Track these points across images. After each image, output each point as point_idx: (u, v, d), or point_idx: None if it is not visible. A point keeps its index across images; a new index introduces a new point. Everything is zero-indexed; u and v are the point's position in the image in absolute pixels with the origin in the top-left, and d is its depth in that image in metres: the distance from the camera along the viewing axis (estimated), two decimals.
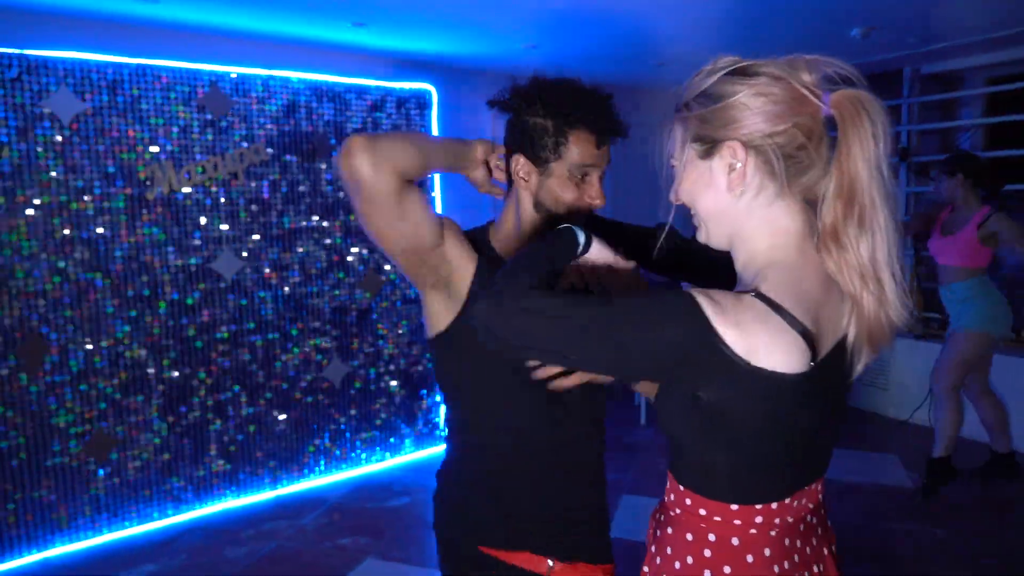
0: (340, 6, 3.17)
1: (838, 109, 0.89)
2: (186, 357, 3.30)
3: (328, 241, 3.72)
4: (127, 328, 3.15)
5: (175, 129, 3.22)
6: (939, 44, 4.05)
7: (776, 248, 0.92)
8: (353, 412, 3.83)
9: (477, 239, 1.31)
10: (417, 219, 1.13)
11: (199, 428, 3.35)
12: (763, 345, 0.81)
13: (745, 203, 0.92)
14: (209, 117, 3.31)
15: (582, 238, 1.06)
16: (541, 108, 1.21)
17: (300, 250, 3.62)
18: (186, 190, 3.26)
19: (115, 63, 3.06)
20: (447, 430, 1.36)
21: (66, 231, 2.99)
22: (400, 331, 4.00)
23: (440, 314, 1.24)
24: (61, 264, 2.98)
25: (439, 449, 4.16)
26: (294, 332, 3.62)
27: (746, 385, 0.82)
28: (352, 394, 3.83)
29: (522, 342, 0.86)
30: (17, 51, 2.85)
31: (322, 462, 3.74)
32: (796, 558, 0.94)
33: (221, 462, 3.43)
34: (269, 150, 3.48)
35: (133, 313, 3.15)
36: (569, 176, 1.22)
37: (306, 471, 3.70)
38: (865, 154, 0.87)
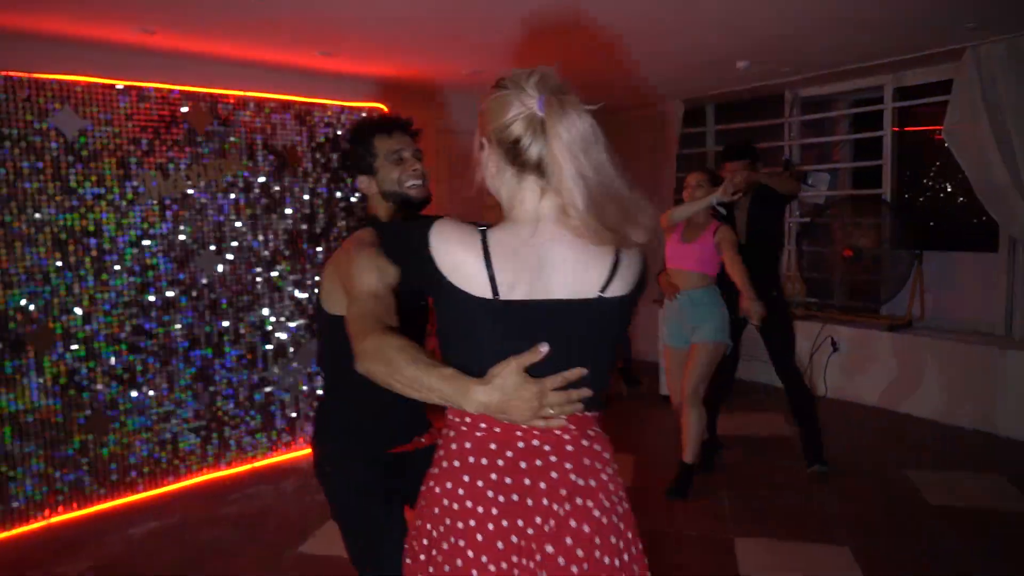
0: (310, 38, 3.70)
1: (547, 108, 1.12)
2: (171, 345, 3.75)
3: (300, 239, 4.21)
4: (113, 321, 3.57)
5: (163, 142, 3.66)
6: (808, 73, 4.91)
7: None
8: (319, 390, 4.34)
9: None
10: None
11: (184, 407, 3.80)
12: None
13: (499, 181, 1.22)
14: (192, 132, 3.76)
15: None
16: (349, 146, 1.78)
17: (273, 248, 4.10)
18: (173, 196, 3.71)
19: (112, 84, 3.49)
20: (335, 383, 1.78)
21: (72, 237, 3.40)
22: None
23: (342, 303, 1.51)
24: (59, 264, 3.39)
25: None
26: (266, 321, 4.10)
27: None
28: (316, 372, 4.33)
29: None
30: (26, 74, 3.25)
31: (289, 436, 4.23)
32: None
33: (201, 438, 3.87)
34: (245, 160, 3.96)
35: (106, 306, 3.58)
36: (389, 162, 1.73)
37: (280, 445, 4.18)
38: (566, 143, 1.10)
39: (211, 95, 3.82)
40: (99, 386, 3.51)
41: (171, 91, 3.68)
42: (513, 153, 1.16)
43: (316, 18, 3.37)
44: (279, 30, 3.54)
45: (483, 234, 1.15)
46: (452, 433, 1.22)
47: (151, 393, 3.67)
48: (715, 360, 3.48)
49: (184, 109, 3.72)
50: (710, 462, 3.89)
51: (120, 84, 3.52)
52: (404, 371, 1.10)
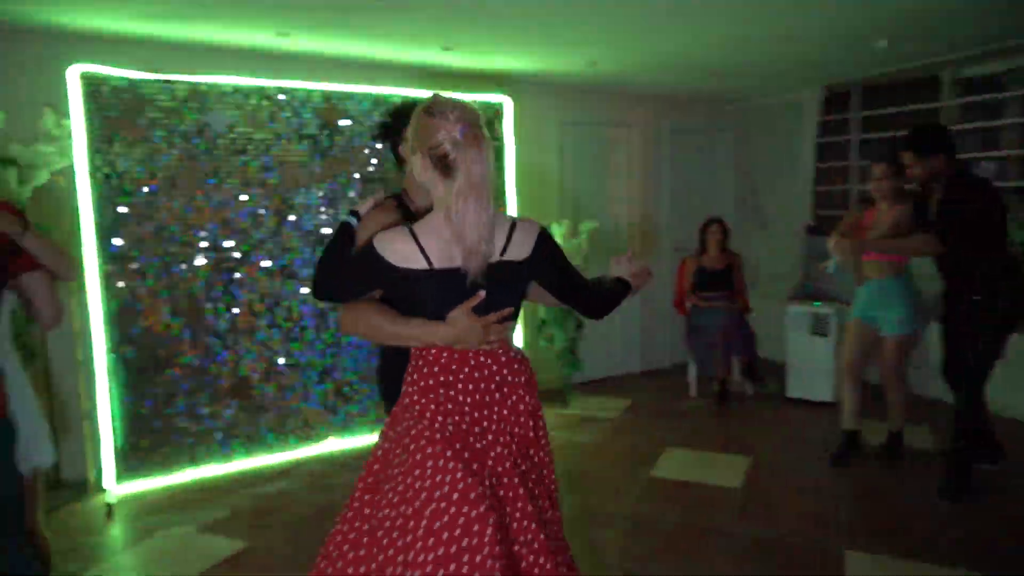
0: (434, 33, 3.86)
1: (465, 137, 1.58)
2: (301, 322, 4.08)
3: None
4: (255, 300, 3.94)
5: (300, 135, 4.00)
6: (966, 52, 4.42)
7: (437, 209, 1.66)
8: None
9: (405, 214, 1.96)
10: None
11: (315, 381, 4.13)
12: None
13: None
14: (325, 125, 4.07)
15: (355, 221, 1.83)
16: (396, 121, 2.04)
17: None
18: (308, 187, 4.03)
19: (256, 84, 3.86)
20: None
21: (222, 224, 3.81)
22: None
23: None
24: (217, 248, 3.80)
25: None
26: None
27: None
28: None
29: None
30: (186, 77, 3.67)
31: None
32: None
33: (328, 408, 4.18)
34: (369, 152, 4.22)
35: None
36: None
37: None
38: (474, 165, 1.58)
39: (340, 92, 4.10)
40: (243, 356, 3.90)
41: (304, 89, 4.00)
42: (442, 164, 1.60)
43: (437, 15, 3.52)
44: (402, 27, 3.73)
45: (410, 229, 1.63)
46: (421, 363, 1.71)
47: (285, 365, 4.03)
48: (906, 349, 3.77)
49: (315, 106, 4.03)
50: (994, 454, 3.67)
51: (261, 83, 3.88)
52: (386, 328, 1.69)
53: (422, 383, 1.69)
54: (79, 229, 3.44)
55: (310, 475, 3.88)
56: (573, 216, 5.36)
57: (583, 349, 5.33)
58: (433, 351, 1.69)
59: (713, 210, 5.72)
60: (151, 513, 3.44)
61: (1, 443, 1.99)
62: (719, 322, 5.06)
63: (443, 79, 4.70)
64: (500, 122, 4.69)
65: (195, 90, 3.71)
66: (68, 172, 3.45)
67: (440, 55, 4.24)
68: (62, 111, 3.37)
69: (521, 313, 1.87)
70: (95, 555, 3.05)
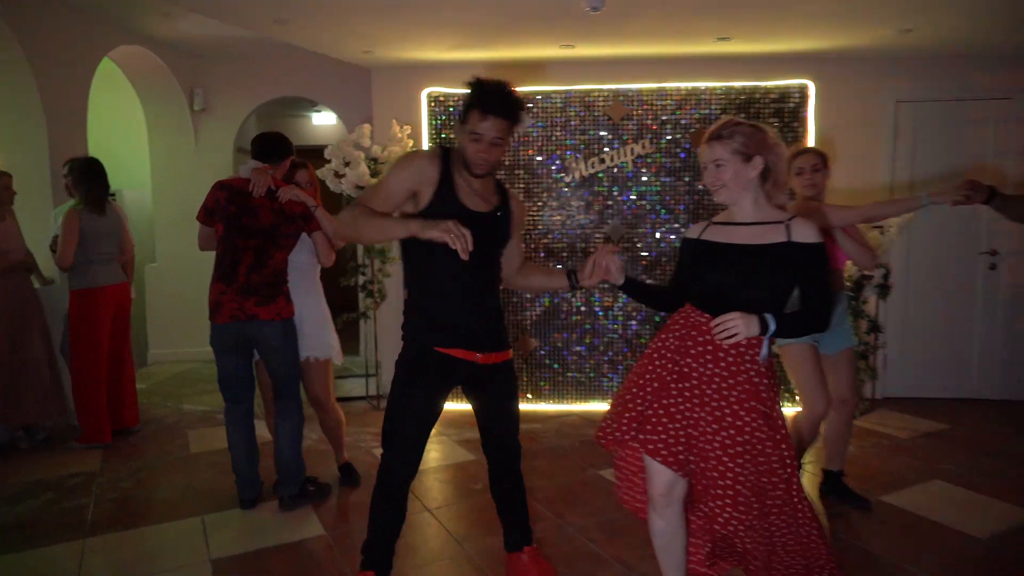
0: (705, 28, 3.99)
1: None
2: (591, 295, 4.71)
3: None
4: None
5: (586, 131, 4.61)
6: None
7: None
8: None
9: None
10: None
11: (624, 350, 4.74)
12: None
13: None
14: (610, 122, 4.58)
15: None
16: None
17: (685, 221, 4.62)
18: (590, 174, 4.63)
19: (548, 89, 4.60)
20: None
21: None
22: None
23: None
24: None
25: None
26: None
27: None
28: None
29: None
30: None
31: None
32: None
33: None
34: (659, 144, 4.57)
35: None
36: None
37: None
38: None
39: (624, 90, 4.55)
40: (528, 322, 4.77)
41: (592, 90, 4.58)
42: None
43: (711, 4, 3.65)
44: (674, 25, 3.97)
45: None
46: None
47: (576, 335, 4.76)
48: None
49: (601, 103, 4.57)
50: None
51: (552, 88, 4.60)
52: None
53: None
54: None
55: (561, 423, 4.53)
56: None
57: (915, 361, 5.00)
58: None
59: None
60: (442, 423, 4.56)
61: (288, 335, 3.14)
62: None
63: (735, 65, 4.70)
64: (803, 108, 4.51)
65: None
66: None
67: (716, 45, 4.31)
68: (405, 122, 4.68)
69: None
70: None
